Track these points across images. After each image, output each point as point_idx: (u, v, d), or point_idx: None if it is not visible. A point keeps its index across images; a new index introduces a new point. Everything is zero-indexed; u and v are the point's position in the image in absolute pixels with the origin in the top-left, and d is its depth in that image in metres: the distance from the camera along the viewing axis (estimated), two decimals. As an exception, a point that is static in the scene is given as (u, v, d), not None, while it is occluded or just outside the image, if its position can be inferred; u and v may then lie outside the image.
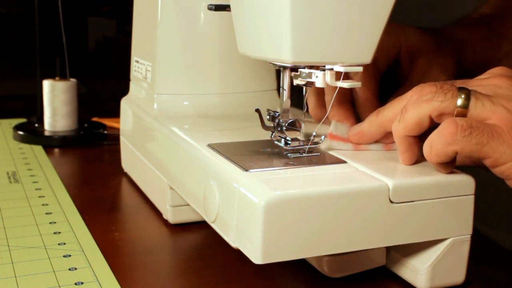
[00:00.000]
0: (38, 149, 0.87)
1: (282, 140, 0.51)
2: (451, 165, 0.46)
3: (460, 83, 0.49)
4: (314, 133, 0.51)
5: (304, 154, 0.50)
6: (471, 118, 0.44)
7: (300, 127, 0.51)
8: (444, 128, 0.44)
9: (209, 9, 0.56)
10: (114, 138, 0.91)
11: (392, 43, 0.61)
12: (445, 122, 0.44)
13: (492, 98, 0.45)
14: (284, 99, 0.51)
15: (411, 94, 0.48)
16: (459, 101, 0.45)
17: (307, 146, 0.50)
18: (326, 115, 0.52)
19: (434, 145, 0.44)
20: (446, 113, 0.45)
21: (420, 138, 0.47)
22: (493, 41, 0.69)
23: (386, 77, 0.63)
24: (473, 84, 0.49)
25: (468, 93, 0.45)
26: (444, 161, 0.45)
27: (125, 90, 0.76)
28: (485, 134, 0.43)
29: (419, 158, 0.50)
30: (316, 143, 0.51)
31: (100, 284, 0.47)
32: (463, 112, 0.45)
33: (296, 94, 0.53)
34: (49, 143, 0.90)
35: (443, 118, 0.45)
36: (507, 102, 0.45)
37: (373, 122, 0.50)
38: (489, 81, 0.49)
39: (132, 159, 0.72)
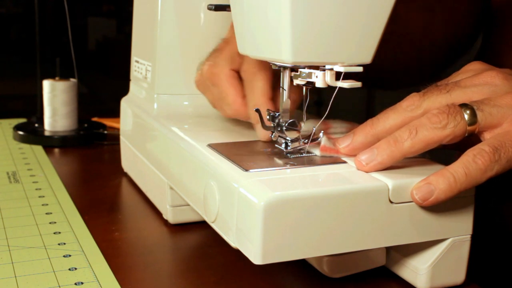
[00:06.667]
0: (38, 149, 0.87)
1: (283, 145, 0.51)
2: None
3: (452, 86, 0.49)
4: (314, 128, 0.50)
5: (304, 154, 0.50)
6: (493, 137, 0.45)
7: (300, 127, 0.50)
8: (478, 158, 0.44)
9: (209, 9, 0.56)
10: (114, 138, 0.92)
11: None
12: (473, 152, 0.44)
13: (494, 101, 0.46)
14: (284, 99, 0.50)
15: (407, 104, 0.48)
16: (467, 119, 0.46)
17: (307, 145, 0.50)
18: (325, 114, 0.52)
19: (470, 174, 0.44)
20: (459, 135, 0.46)
21: None
22: None
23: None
24: (466, 84, 0.49)
25: (472, 109, 0.46)
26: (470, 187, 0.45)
27: (125, 90, 0.76)
28: (510, 148, 0.44)
29: (418, 158, 0.50)
30: (315, 139, 0.51)
31: (100, 284, 0.47)
32: (474, 128, 0.46)
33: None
34: (49, 143, 0.90)
35: (456, 140, 0.46)
36: (511, 100, 0.46)
37: (368, 134, 0.49)
38: (480, 79, 0.49)
39: (132, 159, 0.72)
